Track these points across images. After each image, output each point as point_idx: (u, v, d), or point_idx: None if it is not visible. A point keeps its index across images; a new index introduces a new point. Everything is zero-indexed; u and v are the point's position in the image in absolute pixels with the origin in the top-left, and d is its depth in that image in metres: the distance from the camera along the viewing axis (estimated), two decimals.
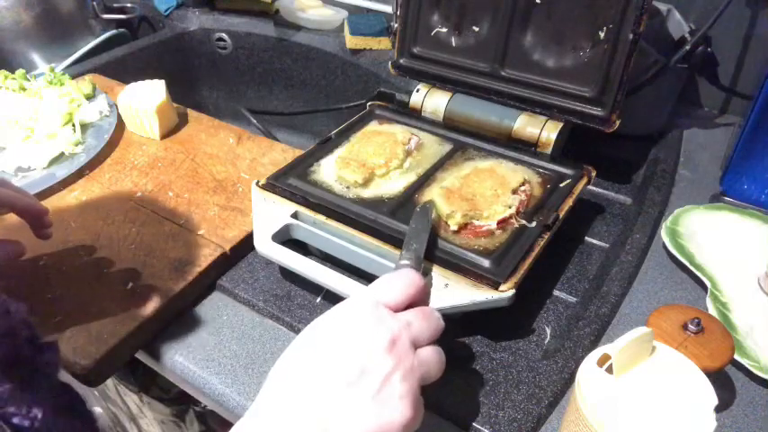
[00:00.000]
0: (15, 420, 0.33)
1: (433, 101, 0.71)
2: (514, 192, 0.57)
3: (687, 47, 0.69)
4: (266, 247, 0.54)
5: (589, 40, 0.62)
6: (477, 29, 0.68)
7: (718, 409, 0.36)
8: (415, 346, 0.37)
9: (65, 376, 0.47)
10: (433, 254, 0.51)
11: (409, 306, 0.39)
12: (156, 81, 0.80)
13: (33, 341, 0.37)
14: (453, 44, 0.71)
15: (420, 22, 0.72)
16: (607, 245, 0.64)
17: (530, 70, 0.66)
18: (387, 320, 0.36)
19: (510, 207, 0.55)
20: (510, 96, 0.68)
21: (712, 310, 0.53)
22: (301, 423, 0.33)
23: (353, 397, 0.33)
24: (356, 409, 0.33)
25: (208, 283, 0.58)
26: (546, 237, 0.53)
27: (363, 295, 0.38)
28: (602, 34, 0.60)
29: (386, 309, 0.37)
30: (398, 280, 0.39)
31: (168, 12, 1.17)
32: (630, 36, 0.58)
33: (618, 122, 0.62)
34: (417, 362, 0.36)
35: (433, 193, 0.57)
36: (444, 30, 0.71)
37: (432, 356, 0.37)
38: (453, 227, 0.53)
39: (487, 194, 0.56)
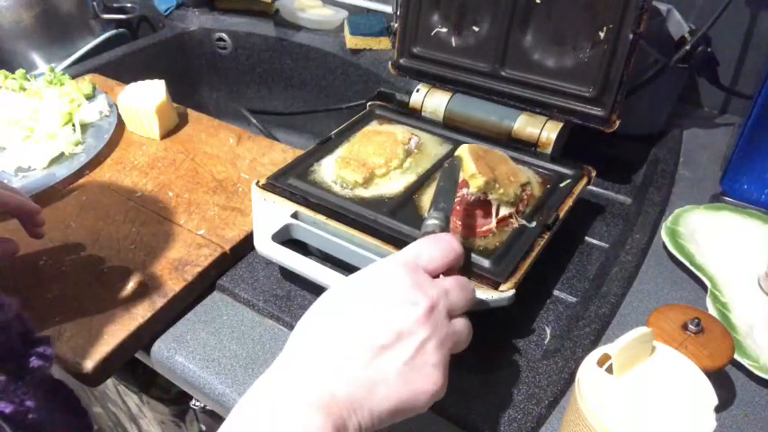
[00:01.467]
0: (7, 411, 0.33)
1: (433, 101, 0.71)
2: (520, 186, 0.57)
3: (687, 47, 0.69)
4: (266, 247, 0.54)
5: (589, 40, 0.62)
6: (477, 29, 0.68)
7: (718, 409, 0.36)
8: (450, 315, 0.36)
9: (62, 375, 0.47)
10: None
11: (446, 273, 0.38)
12: (156, 81, 0.80)
13: (26, 336, 0.37)
14: (453, 44, 0.71)
15: (420, 22, 0.72)
16: (607, 245, 0.64)
17: (530, 70, 0.66)
18: (426, 287, 0.35)
19: (514, 204, 0.54)
20: (510, 96, 0.68)
21: (712, 310, 0.53)
22: (330, 380, 0.32)
23: (387, 360, 0.33)
24: (389, 373, 0.32)
25: (208, 283, 0.58)
26: (546, 237, 0.53)
27: (403, 257, 0.37)
28: (602, 34, 0.60)
29: (425, 274, 0.36)
30: (439, 245, 0.38)
31: (168, 12, 1.17)
32: (630, 36, 0.58)
33: (618, 122, 0.62)
34: (451, 331, 0.36)
35: (462, 149, 0.54)
36: (444, 30, 0.71)
37: (464, 327, 0.37)
38: (473, 189, 0.52)
39: (504, 175, 0.55)
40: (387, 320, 0.33)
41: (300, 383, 0.32)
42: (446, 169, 0.51)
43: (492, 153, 0.57)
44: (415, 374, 0.33)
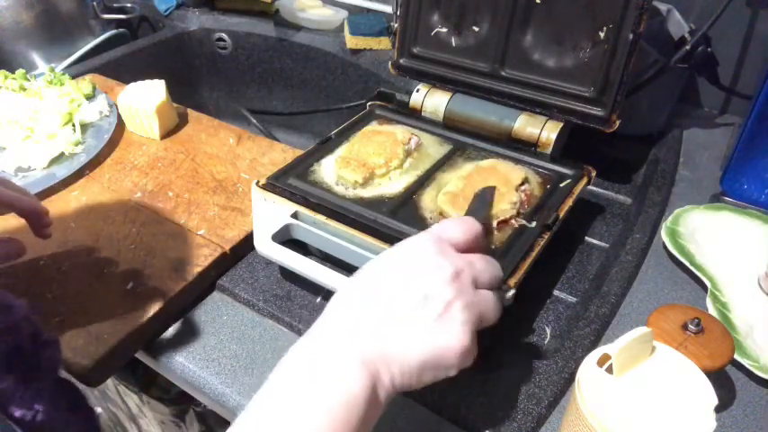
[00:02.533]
0: (17, 414, 0.34)
1: (433, 101, 0.71)
2: (516, 189, 0.57)
3: (687, 47, 0.69)
4: (266, 247, 0.54)
5: (589, 40, 0.62)
6: (477, 29, 0.68)
7: (718, 409, 0.36)
8: (476, 285, 0.38)
9: (65, 376, 0.47)
10: None
11: (469, 251, 0.40)
12: (156, 81, 0.80)
13: (35, 337, 0.38)
14: (453, 44, 0.71)
15: (420, 22, 0.72)
16: (607, 245, 0.64)
17: (530, 70, 0.66)
18: (450, 254, 0.37)
19: (515, 204, 0.55)
20: (510, 96, 0.68)
21: (712, 310, 0.53)
22: (364, 339, 0.34)
23: (416, 319, 0.35)
24: (417, 329, 0.34)
25: (208, 283, 0.58)
26: (546, 237, 0.53)
27: (428, 232, 0.39)
28: (602, 34, 0.60)
29: (450, 245, 0.38)
30: (462, 223, 0.40)
31: (168, 12, 1.17)
32: (630, 36, 0.58)
33: (618, 122, 0.62)
34: (477, 299, 0.37)
35: (437, 200, 0.57)
36: (444, 30, 0.71)
37: (491, 298, 0.38)
38: None
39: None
40: (416, 284, 0.36)
41: (337, 341, 0.34)
42: (478, 195, 0.53)
43: (472, 177, 0.58)
44: (442, 330, 0.35)
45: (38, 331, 0.38)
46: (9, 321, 0.36)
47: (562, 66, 0.64)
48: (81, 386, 0.45)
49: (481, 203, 0.51)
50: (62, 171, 0.69)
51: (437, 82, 0.73)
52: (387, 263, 0.38)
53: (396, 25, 0.73)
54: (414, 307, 0.35)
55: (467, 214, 0.48)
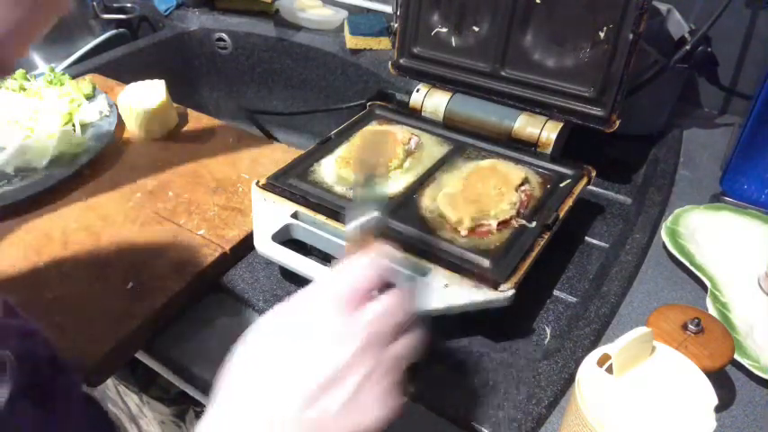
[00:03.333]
0: None
1: (432, 101, 0.71)
2: (516, 190, 0.57)
3: (687, 47, 0.69)
4: (266, 247, 0.54)
5: (589, 40, 0.62)
6: (477, 29, 0.68)
7: (718, 409, 0.36)
8: (390, 338, 0.35)
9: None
10: (432, 254, 0.51)
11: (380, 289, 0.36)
12: (156, 81, 0.80)
13: (53, 361, 0.37)
14: (453, 44, 0.71)
15: (420, 22, 0.72)
16: (607, 245, 0.64)
17: (530, 70, 0.66)
18: (358, 321, 0.34)
19: (515, 204, 0.55)
20: (510, 96, 0.68)
21: (712, 310, 0.53)
22: (268, 426, 0.32)
23: (328, 401, 0.32)
24: (331, 412, 0.32)
25: (208, 283, 0.58)
26: (546, 237, 0.53)
27: (330, 290, 0.35)
28: (601, 34, 0.60)
29: (355, 305, 0.34)
30: (362, 269, 0.35)
31: (168, 12, 1.17)
32: (630, 36, 0.58)
33: (618, 122, 0.62)
34: (393, 356, 0.34)
35: (437, 200, 0.57)
36: (444, 30, 0.71)
37: (405, 346, 0.35)
38: (464, 232, 0.53)
39: (492, 194, 0.56)
40: (321, 362, 0.33)
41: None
42: (365, 144, 0.48)
43: (471, 177, 0.58)
44: (359, 410, 0.32)
45: (54, 354, 0.38)
46: (27, 347, 0.36)
47: (562, 66, 0.64)
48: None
49: (371, 153, 0.47)
50: (62, 171, 0.69)
51: (437, 82, 0.73)
52: (284, 334, 0.34)
53: (396, 25, 0.73)
54: (323, 387, 0.32)
55: (357, 171, 0.43)
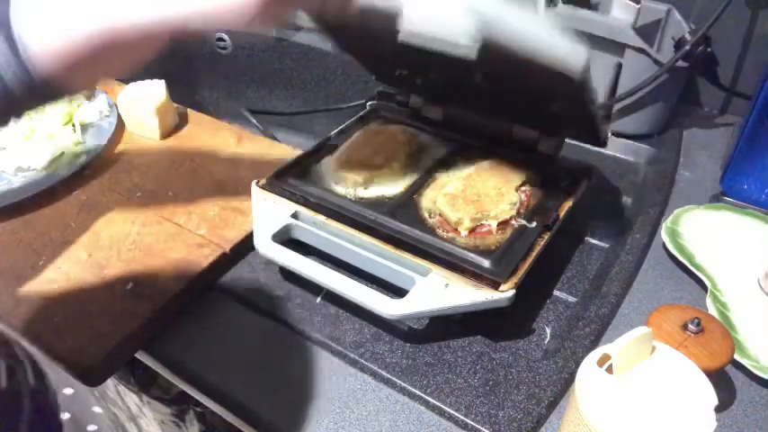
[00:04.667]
0: None
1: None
2: (516, 190, 0.57)
3: (687, 47, 0.69)
4: (266, 247, 0.54)
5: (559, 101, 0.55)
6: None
7: (718, 409, 0.36)
8: None
9: (62, 375, 0.47)
10: (433, 254, 0.51)
11: None
12: (156, 81, 0.80)
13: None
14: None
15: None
16: (607, 245, 0.64)
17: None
18: None
19: (515, 204, 0.55)
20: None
21: (712, 310, 0.53)
22: None
23: None
24: None
25: (208, 283, 0.58)
26: (546, 237, 0.53)
27: None
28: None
29: None
30: None
31: None
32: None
33: (608, 140, 0.61)
34: None
35: (437, 201, 0.57)
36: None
37: None
38: (464, 232, 0.53)
39: (492, 194, 0.55)
40: None
41: None
42: None
43: (471, 177, 0.58)
44: None
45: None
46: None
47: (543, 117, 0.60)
48: (80, 385, 0.45)
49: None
50: (62, 171, 0.69)
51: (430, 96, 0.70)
52: None
53: None
54: None
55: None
